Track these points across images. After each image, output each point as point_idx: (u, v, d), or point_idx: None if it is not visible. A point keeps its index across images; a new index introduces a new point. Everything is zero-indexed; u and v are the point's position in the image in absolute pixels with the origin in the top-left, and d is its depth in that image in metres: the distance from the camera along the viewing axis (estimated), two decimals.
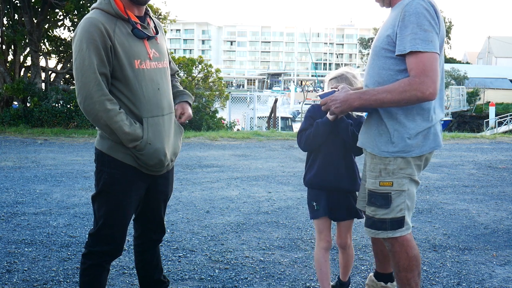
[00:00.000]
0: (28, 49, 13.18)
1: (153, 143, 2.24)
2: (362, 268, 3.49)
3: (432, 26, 2.17)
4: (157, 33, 2.37)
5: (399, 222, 2.34)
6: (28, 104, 12.80)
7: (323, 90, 2.64)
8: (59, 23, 13.81)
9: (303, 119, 2.81)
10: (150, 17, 2.38)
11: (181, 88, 2.59)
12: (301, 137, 2.72)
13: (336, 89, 2.44)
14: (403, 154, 2.30)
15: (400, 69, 2.25)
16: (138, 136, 2.20)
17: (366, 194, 2.46)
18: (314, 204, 2.70)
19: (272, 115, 18.87)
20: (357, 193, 2.71)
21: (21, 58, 13.77)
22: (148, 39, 2.29)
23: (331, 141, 2.66)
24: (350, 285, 3.11)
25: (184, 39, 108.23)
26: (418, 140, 2.30)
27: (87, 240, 2.35)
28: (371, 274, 2.88)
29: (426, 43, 2.14)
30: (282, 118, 23.30)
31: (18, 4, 12.58)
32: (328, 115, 2.60)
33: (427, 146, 2.33)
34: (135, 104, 2.23)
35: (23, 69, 13.81)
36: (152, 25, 2.37)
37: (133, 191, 2.30)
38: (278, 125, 19.39)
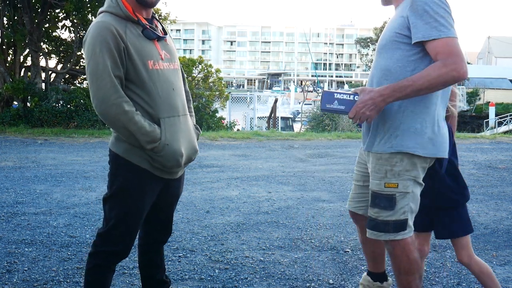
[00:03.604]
0: (28, 49, 13.18)
1: (171, 144, 2.23)
2: (362, 268, 3.48)
3: (448, 12, 2.19)
4: (165, 34, 2.38)
5: (402, 225, 2.32)
6: (28, 104, 12.80)
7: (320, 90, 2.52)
8: (59, 24, 13.81)
9: None
10: (157, 19, 2.39)
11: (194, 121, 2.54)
12: None
13: (356, 94, 2.32)
14: (409, 149, 2.26)
15: (410, 60, 2.26)
16: (157, 137, 2.19)
17: (367, 194, 2.44)
18: None
19: (272, 115, 18.89)
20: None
21: (21, 58, 13.78)
22: (158, 40, 2.30)
23: None
24: (352, 285, 3.11)
25: (184, 39, 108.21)
26: (427, 139, 2.27)
27: (94, 239, 2.33)
28: (365, 273, 2.87)
29: (447, 29, 2.16)
30: (282, 118, 23.32)
31: (18, 5, 12.58)
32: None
33: (437, 150, 2.29)
34: (151, 105, 2.21)
35: (23, 69, 13.81)
36: (160, 27, 2.38)
37: (147, 195, 2.29)
38: (278, 125, 19.41)
